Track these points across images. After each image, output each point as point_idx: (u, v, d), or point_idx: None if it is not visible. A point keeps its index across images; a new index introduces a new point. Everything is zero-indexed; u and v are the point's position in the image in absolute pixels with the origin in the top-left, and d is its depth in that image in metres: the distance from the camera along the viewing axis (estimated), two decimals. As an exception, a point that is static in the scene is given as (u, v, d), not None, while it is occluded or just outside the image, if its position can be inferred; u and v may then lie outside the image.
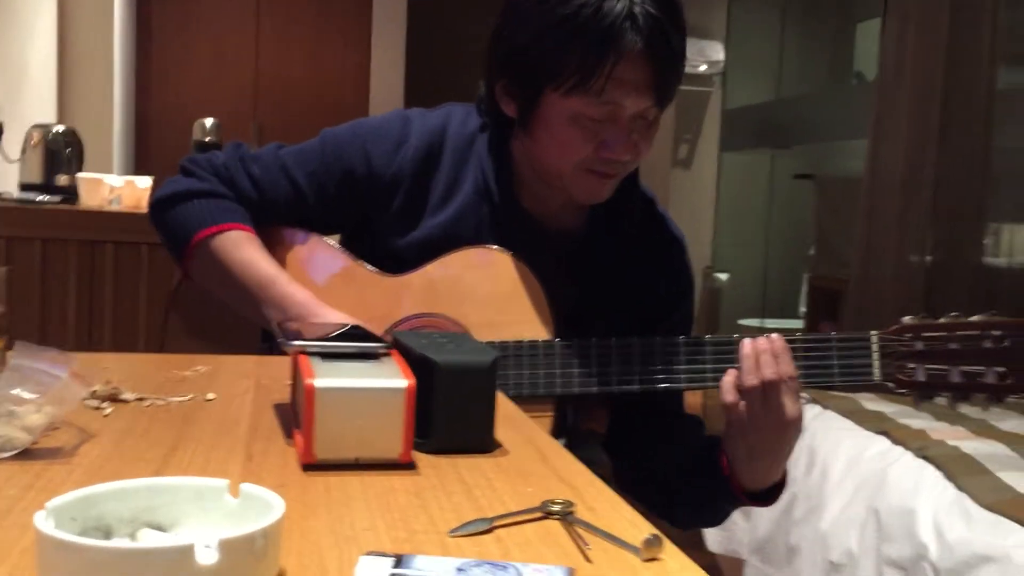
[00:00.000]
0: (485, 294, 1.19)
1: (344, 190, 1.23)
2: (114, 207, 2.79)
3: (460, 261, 1.20)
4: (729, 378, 1.08)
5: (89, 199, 2.81)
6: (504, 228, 1.22)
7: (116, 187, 2.85)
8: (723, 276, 5.73)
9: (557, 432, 1.19)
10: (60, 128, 3.04)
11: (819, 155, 5.07)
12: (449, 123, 1.25)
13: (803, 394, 2.56)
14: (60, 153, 3.00)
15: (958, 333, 1.12)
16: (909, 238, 3.52)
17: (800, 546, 2.09)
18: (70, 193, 2.87)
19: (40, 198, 2.78)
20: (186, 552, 0.44)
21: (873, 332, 1.14)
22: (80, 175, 2.88)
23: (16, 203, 2.67)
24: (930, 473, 1.87)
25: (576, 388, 1.17)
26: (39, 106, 3.69)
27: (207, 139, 3.17)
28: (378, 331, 1.15)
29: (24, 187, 2.92)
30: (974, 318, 1.13)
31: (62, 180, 2.97)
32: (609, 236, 1.25)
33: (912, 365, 1.13)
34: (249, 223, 1.23)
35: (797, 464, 2.25)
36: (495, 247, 1.20)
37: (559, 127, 1.12)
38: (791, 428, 1.07)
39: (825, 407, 2.40)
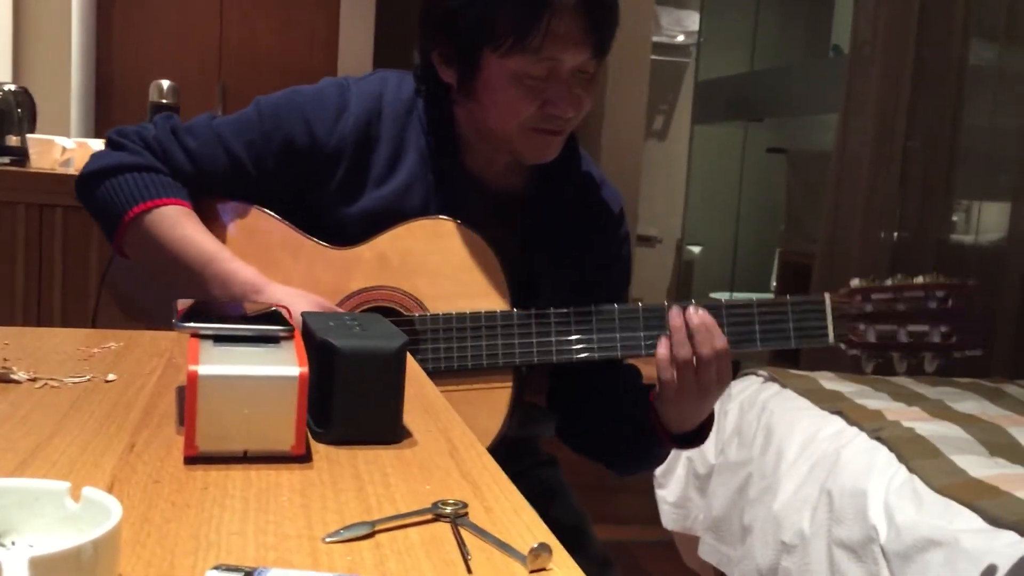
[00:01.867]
0: (438, 265, 1.15)
1: (284, 160, 1.18)
2: (67, 169, 2.71)
3: (412, 232, 1.16)
4: (664, 351, 1.10)
5: (40, 161, 2.73)
6: (451, 194, 1.19)
7: (68, 149, 2.76)
8: (695, 249, 5.70)
9: (515, 404, 1.16)
10: (11, 87, 2.94)
11: (792, 129, 5.03)
12: (385, 90, 1.21)
13: (761, 371, 2.54)
14: (11, 113, 2.91)
15: (904, 295, 1.16)
16: (877, 214, 3.49)
17: (753, 526, 2.07)
18: (19, 154, 2.79)
19: (-13, 159, 2.69)
20: (-7, 570, 0.39)
21: (826, 294, 1.17)
22: (31, 136, 2.80)
23: (-38, 164, 2.59)
24: (883, 454, 1.85)
25: (536, 358, 1.15)
26: (-8, 65, 3.58)
27: (164, 101, 3.08)
28: (330, 304, 1.13)
29: (-29, 147, 2.84)
30: (918, 279, 1.17)
31: (12, 140, 2.88)
32: (553, 197, 1.23)
33: (862, 326, 1.16)
34: (186, 198, 1.18)
35: (754, 443, 2.23)
36: (446, 218, 1.17)
37: (501, 89, 1.11)
38: (721, 391, 1.12)
39: (784, 385, 2.38)
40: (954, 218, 3.77)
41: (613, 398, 1.24)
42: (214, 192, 1.20)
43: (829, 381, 2.41)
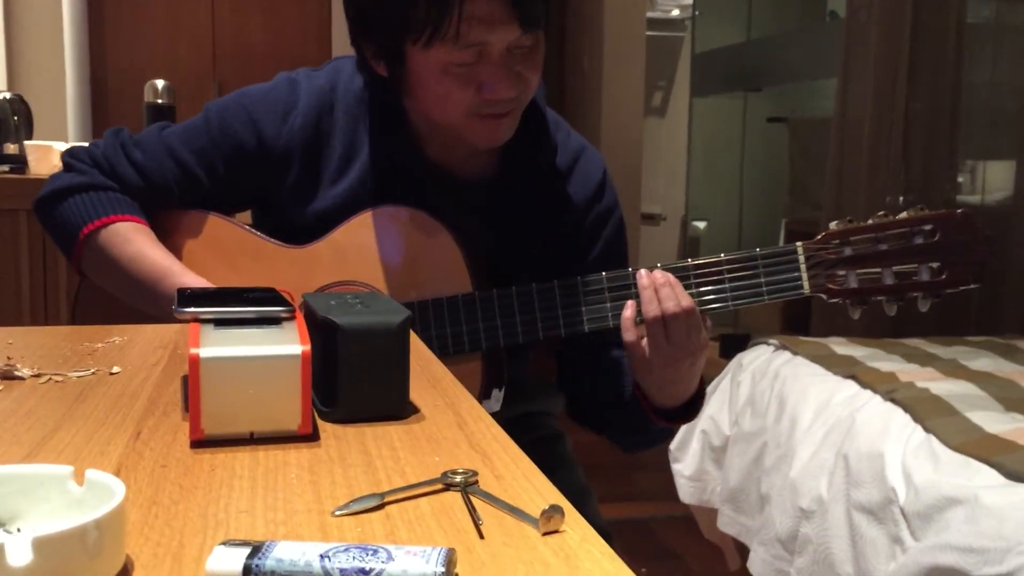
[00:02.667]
0: (398, 255, 1.13)
1: (235, 166, 1.16)
2: (65, 175, 2.70)
3: (367, 224, 1.14)
4: (629, 312, 1.08)
5: (38, 167, 2.73)
6: (412, 185, 1.16)
7: (66, 154, 2.76)
8: (700, 224, 5.67)
9: (490, 385, 1.14)
10: (6, 95, 2.94)
11: (792, 97, 5.00)
12: (338, 81, 1.18)
13: (771, 340, 2.53)
14: (7, 121, 2.91)
15: (887, 232, 1.09)
16: (881, 178, 3.47)
17: (771, 494, 2.06)
18: (18, 162, 2.79)
19: (-13, 168, 2.69)
20: (-5, 553, 0.39)
21: (798, 243, 1.11)
22: (28, 143, 2.79)
23: (-39, 174, 2.59)
24: (898, 416, 1.84)
25: (502, 340, 1.13)
26: (-14, 73, 3.58)
27: (159, 101, 3.07)
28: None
29: (-30, 157, 2.84)
30: (902, 215, 1.10)
31: (10, 148, 2.88)
32: (523, 176, 1.19)
33: (842, 272, 1.10)
34: (137, 212, 1.16)
35: (767, 412, 2.22)
36: (401, 206, 1.13)
37: (432, 81, 1.06)
38: (697, 356, 1.08)
39: (795, 353, 2.37)
40: (959, 179, 3.74)
41: (613, 375, 1.21)
42: (169, 203, 1.19)
43: (841, 346, 2.40)
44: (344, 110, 1.16)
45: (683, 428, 2.55)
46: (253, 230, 1.18)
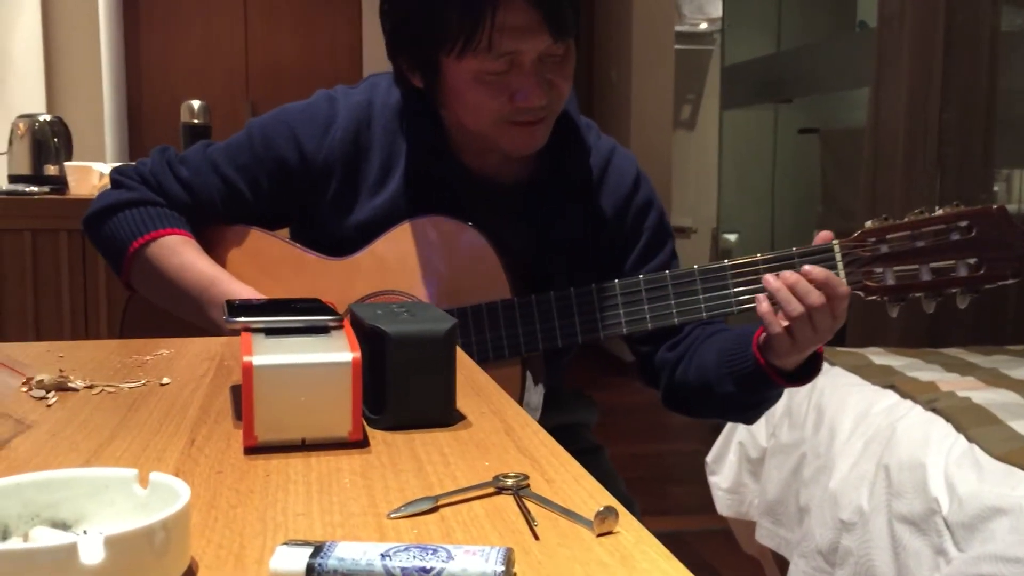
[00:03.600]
0: (437, 264, 1.15)
1: (278, 180, 1.19)
2: (104, 195, 2.75)
3: (405, 235, 1.15)
4: (766, 306, 1.06)
5: (78, 188, 2.78)
6: (449, 193, 1.18)
7: (105, 174, 2.81)
8: (732, 237, 5.65)
9: (525, 382, 1.15)
10: (47, 117, 3.00)
11: (823, 108, 4.97)
12: (375, 96, 1.20)
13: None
14: (47, 143, 2.96)
15: (923, 230, 1.08)
16: (916, 188, 3.44)
17: (810, 506, 2.04)
18: (59, 183, 2.84)
19: (29, 189, 2.74)
20: (69, 552, 0.40)
21: (835, 241, 1.11)
22: (68, 164, 2.85)
23: (4, 195, 2.64)
24: (940, 426, 1.82)
25: (541, 344, 1.14)
26: (26, 96, 3.65)
27: (196, 121, 3.12)
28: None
29: (12, 178, 2.89)
30: (938, 212, 1.09)
31: (50, 170, 2.94)
32: (559, 181, 1.21)
33: (879, 269, 1.09)
34: (184, 227, 1.19)
35: (805, 424, 2.20)
36: (439, 216, 1.15)
37: (466, 90, 1.09)
38: (837, 327, 1.07)
39: (832, 363, 2.35)
40: (995, 187, 3.70)
41: (707, 353, 1.20)
42: (214, 218, 1.22)
43: (878, 356, 2.38)
44: (381, 124, 1.19)
45: (719, 440, 2.53)
46: (294, 243, 1.20)
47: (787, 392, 2.34)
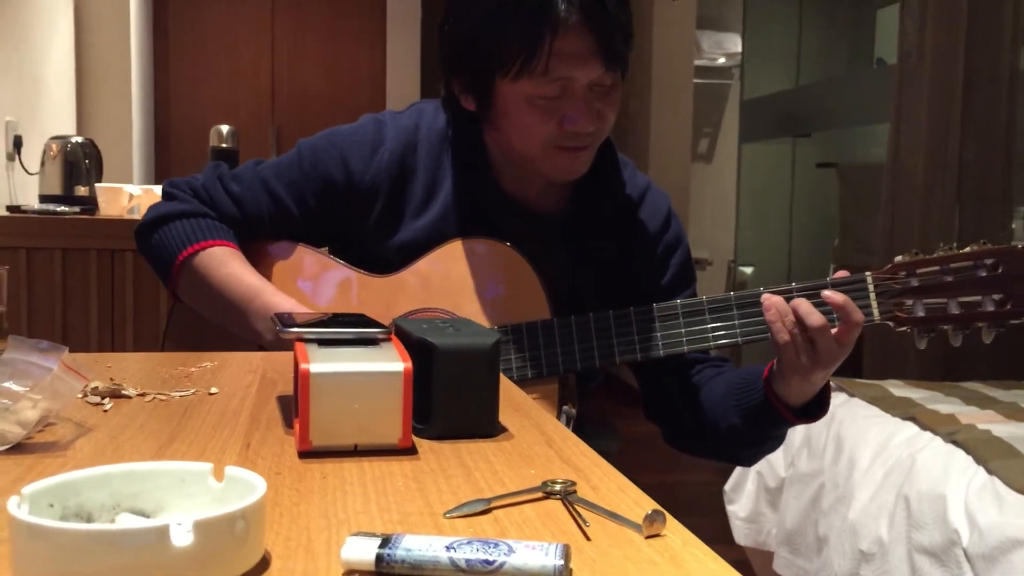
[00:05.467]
0: (478, 284, 1.18)
1: (325, 199, 1.23)
2: (133, 215, 2.80)
3: (449, 254, 1.19)
4: (772, 314, 1.08)
5: (108, 208, 2.83)
6: (492, 218, 1.21)
7: (135, 195, 2.86)
8: (748, 269, 5.67)
9: (561, 404, 1.18)
10: (78, 139, 3.06)
11: (841, 143, 5.00)
12: (421, 121, 1.25)
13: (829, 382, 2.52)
14: (79, 164, 3.02)
15: (952, 265, 1.12)
16: (934, 224, 3.46)
17: (829, 536, 2.05)
18: (89, 203, 2.89)
19: (60, 208, 2.80)
20: (161, 533, 0.42)
21: (867, 272, 1.14)
22: (99, 185, 2.90)
23: (36, 214, 2.69)
24: (960, 457, 1.83)
25: (579, 364, 1.16)
26: (58, 118, 3.72)
27: (224, 145, 3.18)
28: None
29: (44, 199, 2.95)
30: (966, 249, 1.13)
31: (81, 190, 2.99)
32: (594, 212, 1.24)
33: (910, 301, 1.13)
34: (232, 239, 1.23)
35: (824, 454, 2.21)
36: (483, 238, 1.19)
37: (517, 112, 1.13)
38: (844, 356, 1.08)
39: (852, 395, 2.36)
40: (1013, 225, 3.71)
41: (715, 390, 1.23)
42: (262, 234, 1.25)
43: (898, 388, 2.39)
44: (427, 148, 1.22)
45: (737, 470, 2.54)
46: (337, 259, 1.23)
47: (806, 423, 2.36)
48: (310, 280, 1.22)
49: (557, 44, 1.07)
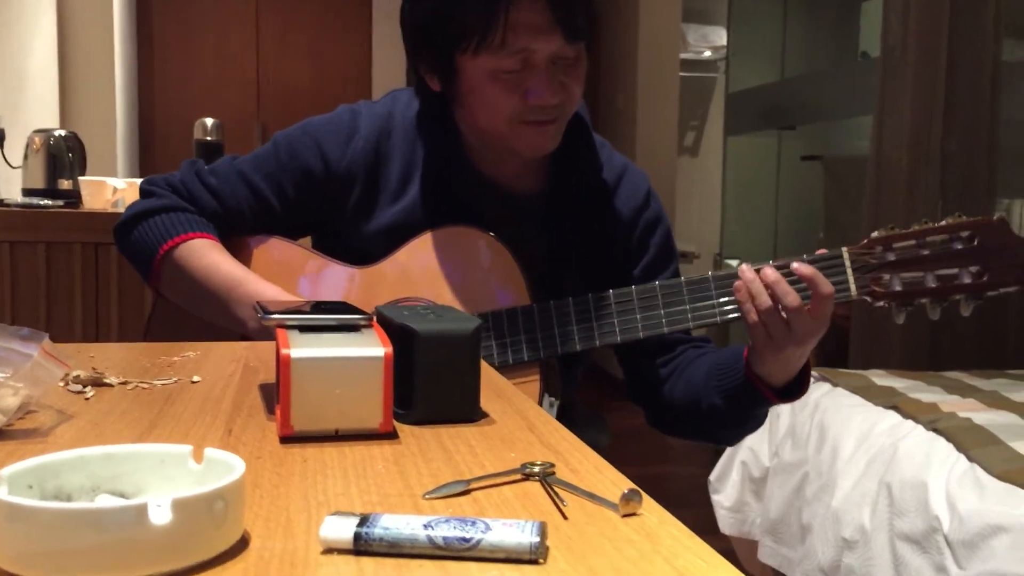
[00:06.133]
0: (458, 272, 1.18)
1: (303, 189, 1.23)
2: (117, 209, 2.79)
3: (428, 243, 1.19)
4: (743, 294, 1.08)
5: (92, 202, 2.82)
6: (467, 201, 1.22)
7: (119, 189, 2.85)
8: (733, 262, 5.69)
9: (543, 393, 1.18)
10: (61, 132, 3.05)
11: (826, 136, 5.03)
12: (395, 108, 1.25)
13: (813, 372, 2.53)
14: (62, 157, 3.01)
15: (928, 239, 1.12)
16: (918, 216, 3.47)
17: (812, 524, 2.07)
18: (73, 197, 2.88)
19: (43, 202, 2.78)
20: (140, 512, 0.43)
21: (843, 248, 1.14)
22: (82, 178, 2.89)
23: (19, 207, 2.68)
24: (941, 445, 1.85)
25: (559, 347, 1.17)
26: (41, 111, 3.70)
27: (208, 139, 3.17)
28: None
29: (27, 192, 2.93)
30: (942, 222, 1.13)
31: (64, 184, 2.98)
32: (572, 191, 1.25)
33: (886, 276, 1.13)
34: (212, 231, 1.23)
35: (808, 443, 2.23)
36: (461, 226, 1.19)
37: (481, 88, 1.14)
38: (820, 331, 1.08)
39: (835, 384, 2.38)
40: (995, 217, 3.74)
41: (696, 371, 1.23)
42: (242, 227, 1.26)
43: (881, 378, 2.41)
44: (401, 133, 1.23)
45: (722, 459, 2.56)
46: (317, 251, 1.23)
47: (790, 412, 2.37)
48: (291, 273, 1.22)
49: (513, 16, 1.08)
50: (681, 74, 5.23)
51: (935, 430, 1.91)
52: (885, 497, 1.85)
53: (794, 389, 1.16)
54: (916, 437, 1.92)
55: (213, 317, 1.20)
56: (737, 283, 1.09)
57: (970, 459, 1.76)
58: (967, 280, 1.12)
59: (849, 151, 4.75)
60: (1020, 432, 1.86)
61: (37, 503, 0.43)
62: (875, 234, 1.14)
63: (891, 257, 1.13)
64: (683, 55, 5.48)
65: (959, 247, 1.12)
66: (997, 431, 1.85)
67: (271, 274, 1.22)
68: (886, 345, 3.03)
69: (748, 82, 5.17)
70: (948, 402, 2.12)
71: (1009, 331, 3.07)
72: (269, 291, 1.15)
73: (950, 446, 1.83)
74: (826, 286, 1.06)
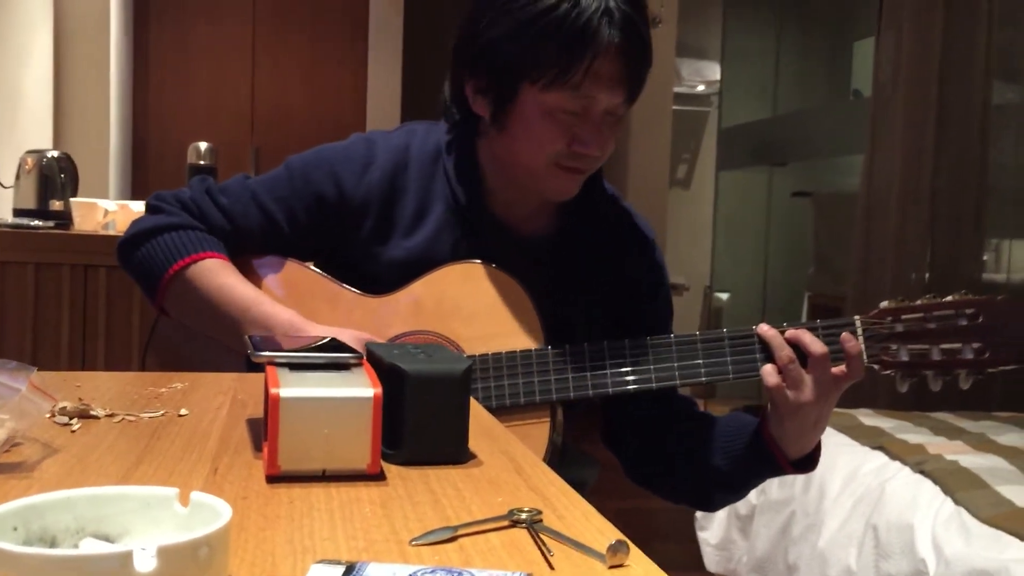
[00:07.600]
0: (472, 308, 1.18)
1: (315, 215, 1.23)
2: (108, 231, 2.78)
3: (445, 278, 1.19)
4: (768, 365, 1.12)
5: (83, 223, 2.81)
6: (479, 240, 1.22)
7: (110, 211, 2.84)
8: (723, 295, 5.71)
9: (552, 439, 1.17)
10: (54, 153, 3.04)
11: (817, 172, 5.07)
12: (412, 141, 1.25)
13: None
14: (54, 178, 3.00)
15: (934, 313, 1.16)
16: (906, 254, 3.50)
17: (799, 564, 2.06)
18: (64, 218, 2.87)
19: (34, 223, 2.77)
20: (125, 559, 0.42)
21: (856, 317, 1.16)
22: (74, 200, 2.88)
23: (9, 228, 2.67)
24: (928, 488, 1.85)
25: (572, 393, 1.16)
26: (34, 132, 3.69)
27: (202, 163, 3.17)
28: (372, 338, 1.15)
29: (18, 212, 2.92)
30: (948, 298, 1.17)
31: (56, 205, 2.97)
32: (580, 237, 1.25)
33: (894, 346, 1.16)
34: (223, 251, 1.22)
35: (795, 482, 2.22)
36: (478, 261, 1.19)
37: (535, 121, 1.14)
38: (837, 391, 1.11)
39: (823, 423, 2.38)
40: (984, 257, 3.77)
41: (692, 431, 1.23)
42: (251, 248, 1.25)
43: (868, 417, 2.41)
44: (418, 168, 1.23)
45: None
46: (330, 277, 1.23)
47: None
48: (302, 297, 1.22)
49: (597, 63, 1.09)
50: (674, 107, 5.26)
51: (922, 472, 1.91)
52: (871, 539, 1.85)
53: (806, 462, 1.17)
54: (903, 479, 1.92)
55: (223, 337, 1.19)
56: (763, 326, 1.12)
57: (956, 502, 1.76)
58: (969, 356, 1.15)
59: (839, 188, 4.79)
60: (1007, 476, 1.86)
61: (22, 549, 0.43)
62: (885, 304, 1.17)
63: (900, 328, 1.16)
64: (677, 89, 5.52)
65: (963, 323, 1.15)
66: (983, 474, 1.85)
67: (283, 297, 1.22)
68: (873, 385, 3.04)
69: (741, 117, 5.22)
70: (935, 443, 2.12)
71: (996, 374, 3.08)
72: (283, 313, 1.15)
73: (937, 488, 1.84)
74: (855, 345, 1.10)
